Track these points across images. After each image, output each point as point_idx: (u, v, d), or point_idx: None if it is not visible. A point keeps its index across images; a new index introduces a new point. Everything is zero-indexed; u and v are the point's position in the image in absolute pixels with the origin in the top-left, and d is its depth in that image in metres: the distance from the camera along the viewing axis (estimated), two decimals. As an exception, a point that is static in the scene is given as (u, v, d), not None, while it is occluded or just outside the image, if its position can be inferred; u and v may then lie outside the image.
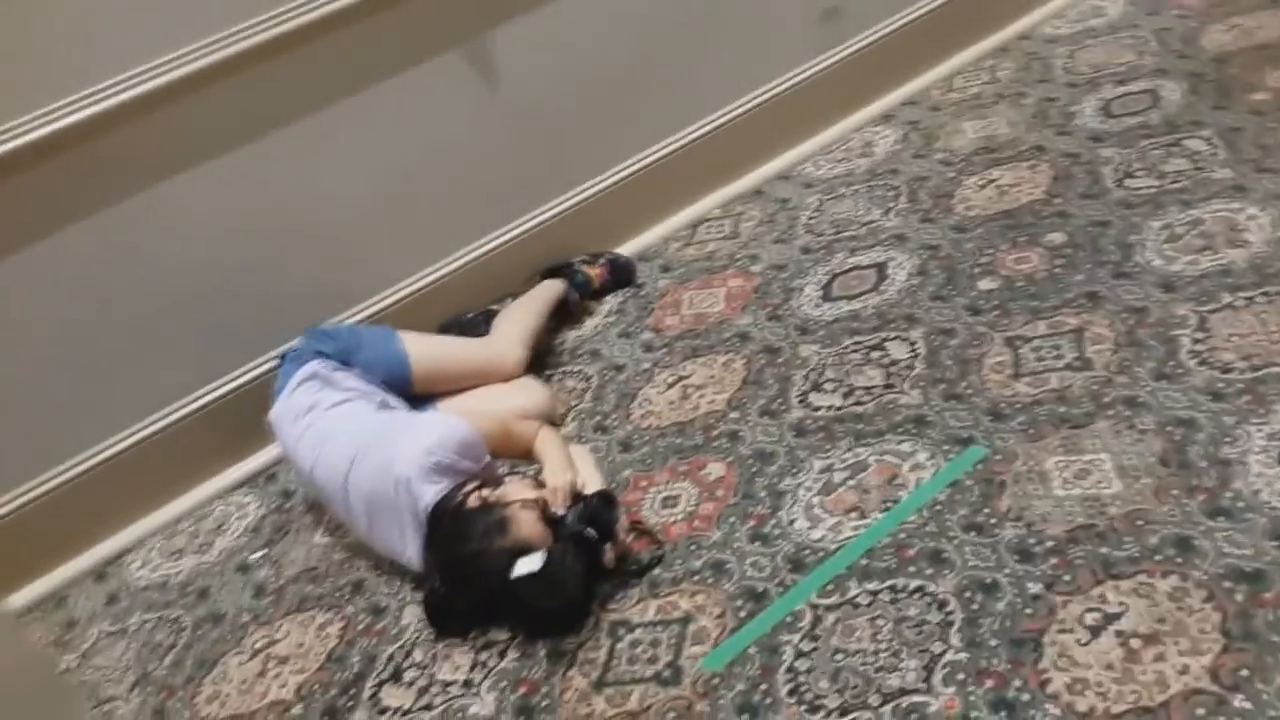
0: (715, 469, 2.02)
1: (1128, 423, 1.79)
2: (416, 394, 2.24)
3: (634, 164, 2.78)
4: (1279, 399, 1.73)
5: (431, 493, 1.86)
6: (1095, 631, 1.47)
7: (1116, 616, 1.48)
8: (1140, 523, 1.60)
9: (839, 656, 1.57)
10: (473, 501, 1.85)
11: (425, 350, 2.29)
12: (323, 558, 2.12)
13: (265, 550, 2.19)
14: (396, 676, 1.80)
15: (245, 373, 2.39)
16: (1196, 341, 1.91)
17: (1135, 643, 1.44)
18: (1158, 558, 1.54)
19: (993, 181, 2.61)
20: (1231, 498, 1.59)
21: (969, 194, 2.60)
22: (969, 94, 3.04)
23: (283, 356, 2.23)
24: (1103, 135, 2.63)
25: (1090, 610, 1.50)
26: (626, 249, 2.78)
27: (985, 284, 2.26)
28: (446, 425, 1.98)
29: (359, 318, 2.49)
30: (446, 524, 1.84)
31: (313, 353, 2.18)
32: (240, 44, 2.16)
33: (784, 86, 2.94)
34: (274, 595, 2.06)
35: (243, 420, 2.33)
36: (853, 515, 1.81)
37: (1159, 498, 1.63)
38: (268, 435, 2.17)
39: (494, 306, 2.56)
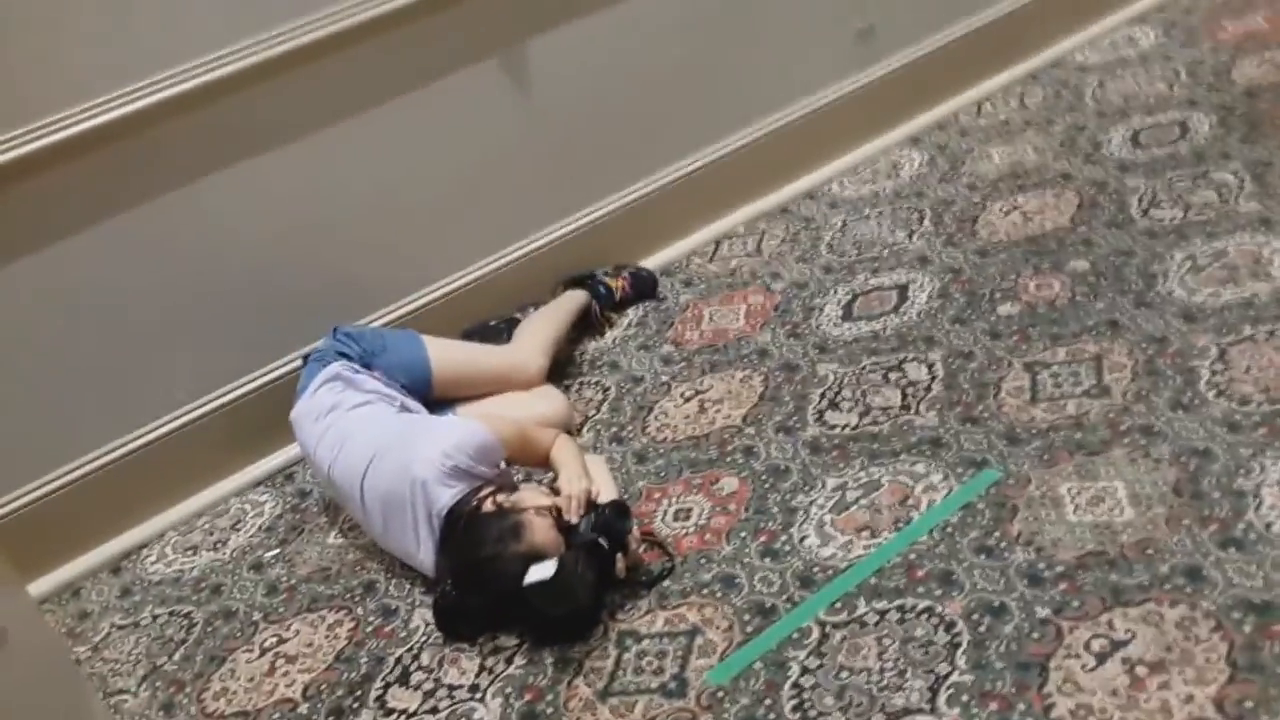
0: (729, 483, 2.02)
1: (1143, 451, 1.78)
2: (437, 398, 2.26)
3: (660, 178, 2.81)
4: (1297, 433, 1.72)
5: (447, 495, 1.87)
6: (1101, 658, 1.46)
7: (1123, 644, 1.47)
8: (1151, 551, 1.60)
9: (844, 674, 1.57)
10: (488, 506, 1.86)
11: (447, 355, 2.32)
12: (336, 558, 2.14)
13: (279, 549, 2.21)
14: (404, 679, 1.82)
15: (268, 372, 2.42)
16: (1215, 373, 1.90)
17: (1141, 670, 1.43)
18: (1167, 586, 1.53)
19: (1018, 208, 2.61)
20: (1244, 529, 1.58)
21: (993, 219, 2.60)
22: (998, 120, 3.05)
23: (306, 357, 2.26)
24: (1130, 165, 2.63)
25: (1097, 636, 1.50)
26: (650, 262, 2.79)
27: (1006, 309, 2.26)
28: (465, 429, 2.00)
29: (384, 321, 2.52)
30: (461, 527, 1.86)
31: (336, 354, 2.21)
32: (278, 47, 2.20)
33: (813, 106, 2.96)
34: (286, 594, 2.08)
35: (263, 419, 2.36)
36: (864, 534, 1.81)
37: (1171, 527, 1.63)
38: (289, 435, 2.20)
39: (517, 315, 2.58)
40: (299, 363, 2.30)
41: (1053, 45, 3.31)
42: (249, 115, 2.24)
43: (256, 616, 2.05)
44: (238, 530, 2.30)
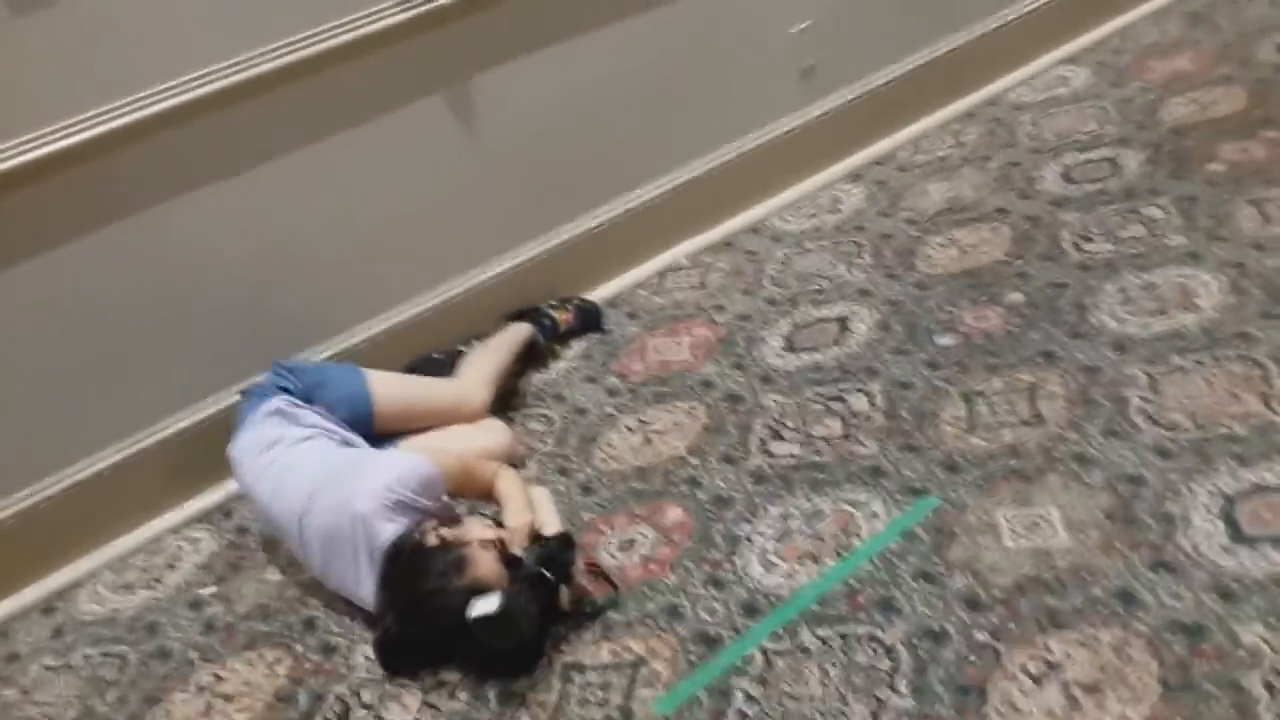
0: (674, 514, 2.03)
1: (1077, 478, 1.82)
2: (380, 432, 2.24)
3: (606, 212, 2.83)
4: (1222, 458, 1.77)
5: (390, 530, 1.86)
6: (1038, 680, 1.48)
7: (1060, 666, 1.50)
8: (1085, 575, 1.63)
9: (787, 701, 1.57)
10: (431, 540, 1.85)
11: (389, 389, 2.30)
12: (275, 595, 2.10)
13: (217, 586, 2.17)
14: (344, 717, 1.78)
15: (207, 406, 2.38)
16: (1146, 401, 1.95)
17: (1077, 692, 1.45)
18: (1101, 609, 1.56)
19: (955, 242, 2.67)
20: (1174, 552, 1.62)
21: (932, 253, 2.65)
22: (935, 156, 3.12)
23: (245, 391, 2.24)
24: (1063, 200, 2.70)
25: (1034, 659, 1.52)
26: (595, 295, 2.81)
27: (945, 340, 2.30)
28: (407, 463, 1.98)
29: (327, 354, 2.50)
30: (404, 561, 1.84)
31: (276, 388, 2.18)
32: (218, 82, 2.20)
33: (756, 142, 3.01)
34: (224, 632, 2.04)
35: (202, 455, 2.32)
36: (807, 562, 1.82)
37: (1104, 551, 1.66)
38: (228, 470, 2.16)
39: (461, 348, 2.57)
40: (238, 397, 2.27)
41: (988, 84, 3.40)
42: (175, 153, 2.22)
43: (193, 655, 2.00)
44: (174, 568, 2.25)
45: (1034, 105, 3.25)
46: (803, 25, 2.97)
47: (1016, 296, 2.38)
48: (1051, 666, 1.50)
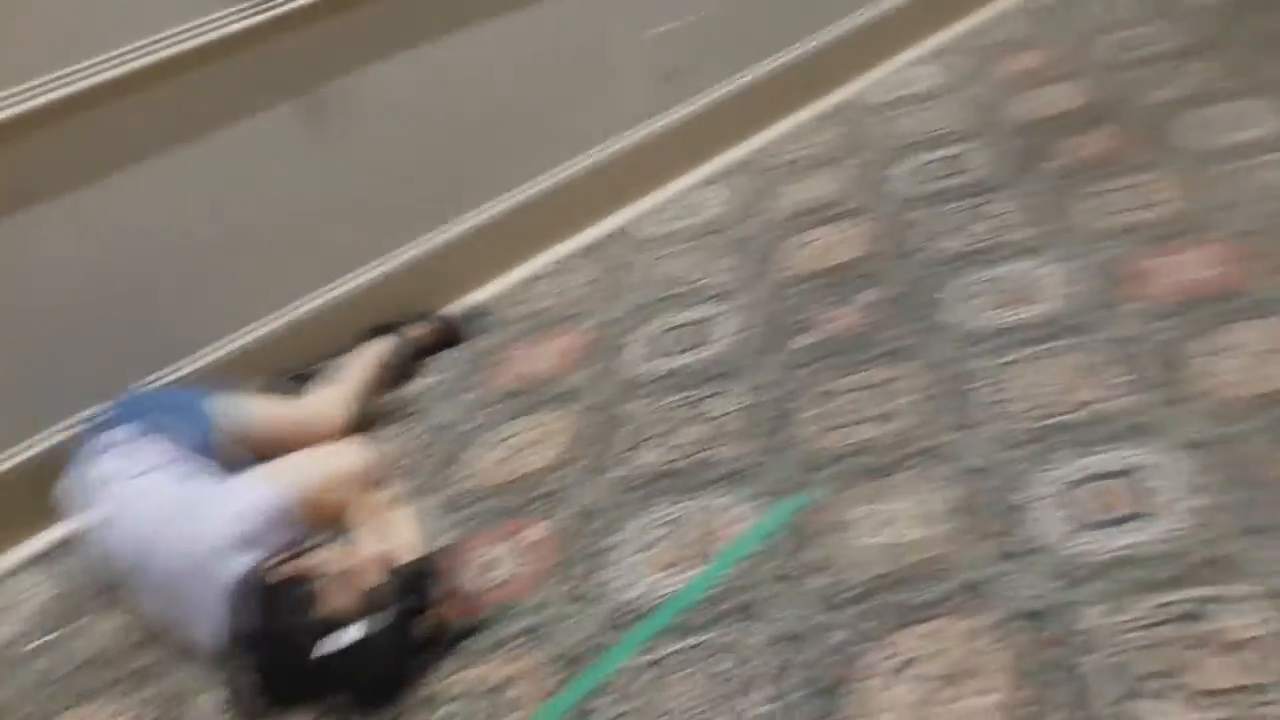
0: (537, 531, 1.99)
1: (928, 472, 1.85)
2: (232, 459, 2.14)
3: (466, 221, 2.77)
4: (1065, 447, 1.82)
5: (236, 567, 1.77)
6: (895, 675, 1.50)
7: (915, 660, 1.51)
8: (937, 569, 1.65)
9: (655, 715, 1.55)
10: (281, 574, 1.77)
11: (240, 413, 2.20)
12: (115, 641, 1.98)
13: (52, 635, 2.03)
14: (194, 764, 1.69)
15: (39, 441, 2.24)
16: (992, 394, 2.00)
17: (933, 685, 1.47)
18: (952, 602, 1.59)
19: (813, 242, 2.70)
20: (1020, 542, 1.66)
21: (791, 254, 2.68)
22: (794, 158, 3.16)
23: (83, 424, 2.11)
24: (914, 199, 2.76)
25: (890, 656, 1.53)
26: (457, 307, 2.75)
27: (804, 340, 2.32)
28: (253, 494, 1.89)
29: (177, 376, 2.38)
30: (254, 598, 1.75)
31: (116, 419, 2.06)
32: (61, 91, 2.07)
33: (618, 146, 2.99)
34: (59, 684, 1.91)
35: (34, 493, 2.18)
36: (671, 571, 1.81)
37: (954, 544, 1.69)
38: (63, 509, 2.03)
39: (319, 366, 2.48)
40: (73, 432, 2.14)
41: (844, 85, 3.47)
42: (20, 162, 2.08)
43: (28, 709, 1.87)
44: (5, 618, 2.11)
45: (887, 105, 3.32)
46: (661, 29, 2.97)
47: (871, 295, 2.42)
48: (907, 662, 1.52)
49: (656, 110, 3.06)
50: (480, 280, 2.83)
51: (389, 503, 2.12)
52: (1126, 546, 1.59)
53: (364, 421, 2.37)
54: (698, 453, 2.07)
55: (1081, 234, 2.40)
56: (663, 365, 2.37)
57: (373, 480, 2.20)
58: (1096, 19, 3.47)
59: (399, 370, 2.54)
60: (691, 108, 3.12)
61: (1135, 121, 2.80)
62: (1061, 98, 3.06)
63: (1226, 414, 1.78)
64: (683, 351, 2.40)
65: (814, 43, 3.35)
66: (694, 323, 2.50)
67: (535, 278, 2.86)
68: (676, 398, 2.25)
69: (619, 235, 2.97)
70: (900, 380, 2.10)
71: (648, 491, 2.01)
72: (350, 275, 2.62)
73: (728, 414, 2.15)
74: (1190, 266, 2.18)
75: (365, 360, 2.48)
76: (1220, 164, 2.49)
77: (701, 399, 2.22)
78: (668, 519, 1.93)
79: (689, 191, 3.11)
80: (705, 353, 2.38)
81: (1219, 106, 2.74)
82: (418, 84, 2.58)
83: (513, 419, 2.32)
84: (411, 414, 2.43)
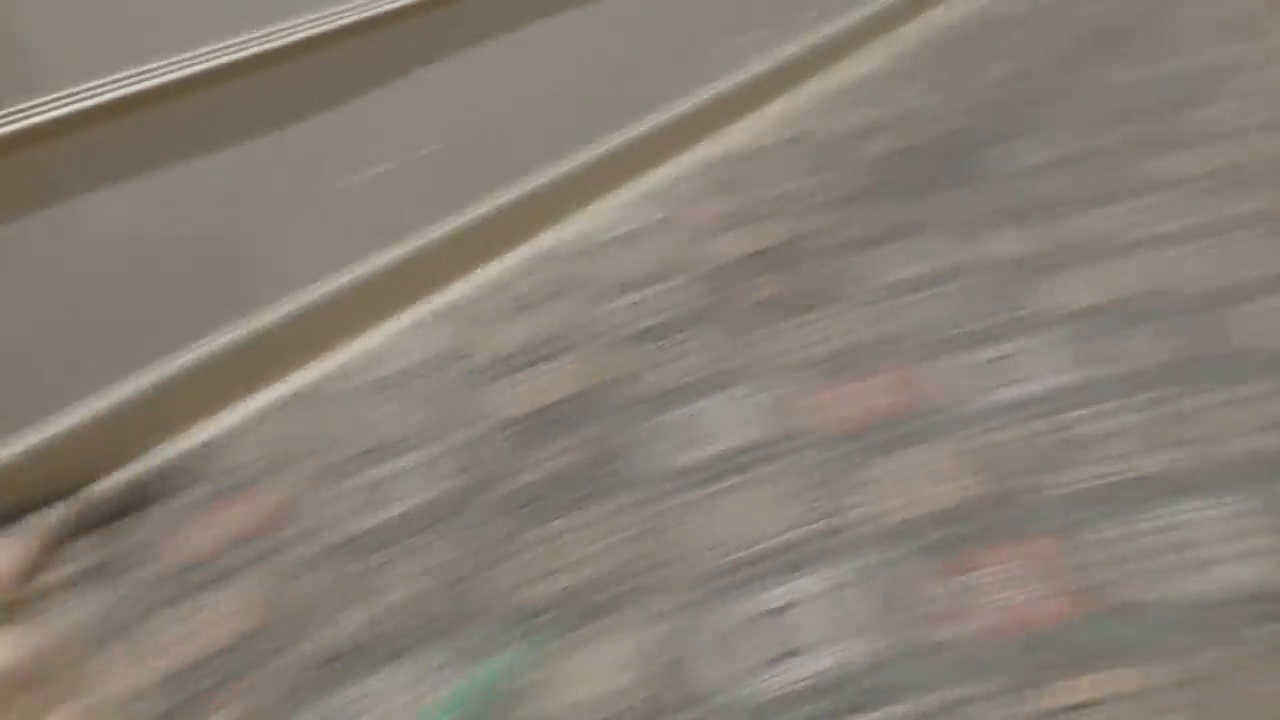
0: (216, 722, 1.77)
1: (641, 613, 1.81)
2: None
3: (164, 367, 2.55)
4: (772, 576, 1.84)
5: None
6: None
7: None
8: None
9: None
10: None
11: None
12: None
13: None
14: None
15: None
16: (699, 526, 2.01)
17: None
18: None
19: (528, 382, 2.68)
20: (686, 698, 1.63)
21: (505, 395, 2.64)
22: (510, 298, 3.16)
23: None
24: (627, 337, 2.81)
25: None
26: (145, 466, 2.49)
27: (521, 479, 2.26)
28: None
29: None
30: None
31: None
32: None
33: (318, 294, 2.88)
34: None
35: None
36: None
37: (636, 695, 1.64)
38: None
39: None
40: None
41: (555, 227, 3.54)
42: None
43: None
44: None
45: (598, 246, 3.41)
46: (351, 180, 2.91)
47: (586, 433, 2.40)
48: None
49: (352, 258, 2.98)
50: (175, 433, 2.60)
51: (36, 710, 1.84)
52: (785, 684, 1.61)
53: None
54: (397, 617, 1.93)
55: (779, 364, 2.52)
56: (367, 520, 2.23)
57: (17, 683, 1.91)
58: (776, 174, 3.76)
59: (34, 561, 2.24)
60: (397, 253, 3.07)
61: (813, 261, 3.02)
62: (764, 235, 3.25)
63: (889, 538, 1.87)
64: (386, 505, 2.28)
65: (514, 192, 3.40)
66: (402, 472, 2.38)
67: (238, 430, 2.65)
68: (379, 556, 2.11)
69: (325, 382, 2.83)
70: (609, 520, 2.07)
71: (343, 669, 1.84)
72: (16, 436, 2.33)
73: (437, 570, 2.04)
74: (861, 396, 2.33)
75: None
76: (891, 299, 2.71)
77: (403, 556, 2.09)
78: (366, 693, 1.77)
79: (403, 335, 3.02)
80: (409, 509, 2.26)
81: (889, 245, 3.01)
82: (103, 230, 2.37)
83: (174, 603, 2.09)
84: (48, 609, 2.14)
